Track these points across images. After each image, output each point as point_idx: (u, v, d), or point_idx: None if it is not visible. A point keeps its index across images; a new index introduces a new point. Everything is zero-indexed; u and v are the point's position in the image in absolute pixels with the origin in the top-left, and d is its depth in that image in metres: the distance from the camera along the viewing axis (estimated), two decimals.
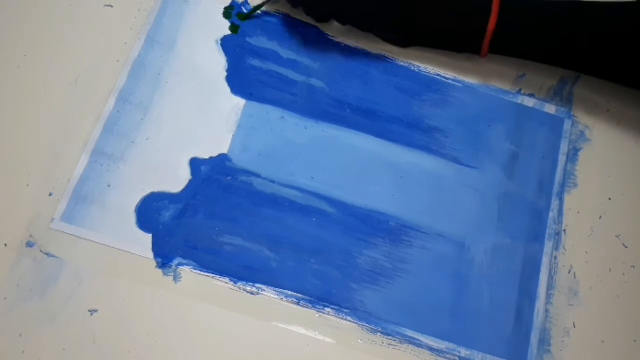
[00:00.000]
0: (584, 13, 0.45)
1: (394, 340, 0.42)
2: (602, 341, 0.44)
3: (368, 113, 0.48)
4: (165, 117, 0.46)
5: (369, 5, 0.45)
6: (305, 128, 0.47)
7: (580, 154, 0.49)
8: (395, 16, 0.46)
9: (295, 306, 0.42)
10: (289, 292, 0.42)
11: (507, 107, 0.49)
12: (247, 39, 0.48)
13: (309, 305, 0.42)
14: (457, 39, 0.47)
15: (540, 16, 0.45)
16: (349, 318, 0.42)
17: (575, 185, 0.48)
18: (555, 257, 0.45)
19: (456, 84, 0.49)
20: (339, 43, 0.49)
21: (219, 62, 0.48)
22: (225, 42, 0.48)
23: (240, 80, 0.47)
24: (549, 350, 0.43)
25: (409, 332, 0.42)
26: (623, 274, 0.46)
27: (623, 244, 0.46)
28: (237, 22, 0.49)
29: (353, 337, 0.42)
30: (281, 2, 0.49)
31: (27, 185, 0.43)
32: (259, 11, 0.49)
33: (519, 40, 0.46)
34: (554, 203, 0.47)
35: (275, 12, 0.49)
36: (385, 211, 0.45)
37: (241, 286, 0.42)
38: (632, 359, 0.44)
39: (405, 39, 0.48)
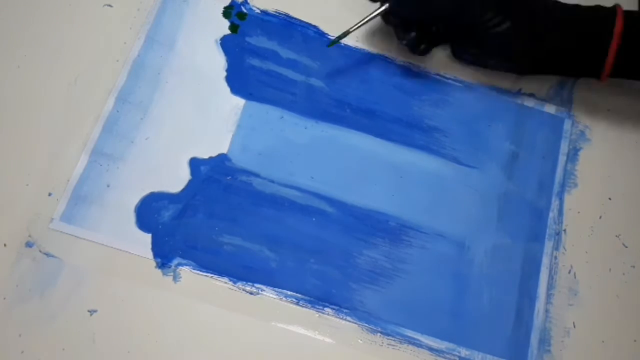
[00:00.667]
0: None
1: (394, 340, 0.42)
2: (602, 341, 0.44)
3: (368, 113, 0.48)
4: (165, 117, 0.46)
5: (494, 35, 0.44)
6: (305, 128, 0.47)
7: (581, 154, 0.49)
8: (520, 44, 0.44)
9: (295, 306, 0.42)
10: (289, 292, 0.42)
11: (507, 107, 0.49)
12: (247, 38, 0.48)
13: (309, 305, 0.42)
14: (577, 62, 0.45)
15: None
16: (349, 318, 0.42)
17: (576, 185, 0.48)
18: (555, 257, 0.45)
19: (456, 84, 0.49)
20: (339, 43, 0.49)
21: (219, 62, 0.48)
22: (225, 42, 0.48)
23: (240, 80, 0.47)
24: (549, 351, 0.43)
25: (409, 332, 0.42)
26: (623, 274, 0.46)
27: (623, 244, 0.46)
28: (237, 21, 0.49)
29: (353, 337, 0.42)
30: (383, 28, 0.47)
31: (27, 185, 0.43)
32: (257, 10, 0.49)
33: None
34: (554, 203, 0.47)
35: (276, 12, 0.49)
36: (385, 211, 0.45)
37: (241, 286, 0.42)
38: (632, 359, 0.44)
39: (526, 66, 0.47)
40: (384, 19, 0.46)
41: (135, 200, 0.43)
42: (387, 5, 0.44)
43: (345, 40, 0.49)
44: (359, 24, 0.45)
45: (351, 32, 0.45)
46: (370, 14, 0.44)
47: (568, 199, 0.47)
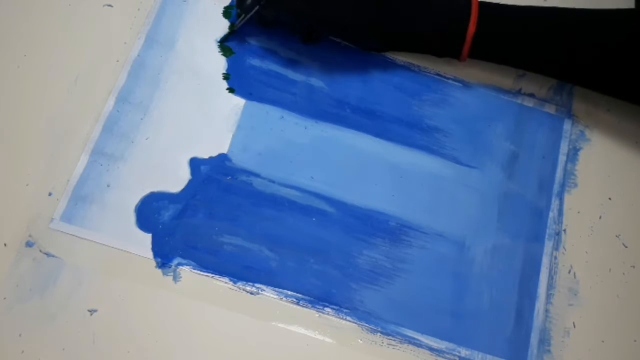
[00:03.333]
0: (564, 19, 0.45)
1: (394, 340, 0.42)
2: (602, 341, 0.44)
3: (368, 113, 0.48)
4: (165, 117, 0.46)
5: (345, 12, 0.44)
6: (305, 128, 0.47)
7: (581, 154, 0.49)
8: (373, 22, 0.44)
9: (295, 306, 0.42)
10: (289, 292, 0.42)
11: (507, 107, 0.49)
12: (247, 38, 0.48)
13: (309, 305, 0.42)
14: (437, 44, 0.46)
15: (519, 22, 0.45)
16: (349, 318, 0.42)
17: (576, 185, 0.48)
18: (555, 257, 0.45)
19: (456, 83, 0.49)
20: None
21: (219, 62, 0.48)
22: (225, 42, 0.48)
23: (240, 80, 0.47)
24: (549, 351, 0.43)
25: (409, 332, 0.42)
26: (623, 274, 0.46)
27: (623, 244, 0.46)
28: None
29: (353, 337, 0.42)
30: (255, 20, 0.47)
31: (27, 185, 0.43)
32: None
33: (498, 46, 0.45)
34: (554, 203, 0.47)
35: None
36: (385, 211, 0.45)
37: (241, 286, 0.42)
38: (632, 359, 0.44)
39: (383, 44, 0.47)
40: (261, 22, 0.47)
41: (135, 200, 0.43)
42: (257, 7, 0.45)
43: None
44: (241, 22, 0.47)
45: (236, 30, 0.48)
46: (246, 16, 0.46)
47: (568, 199, 0.47)
